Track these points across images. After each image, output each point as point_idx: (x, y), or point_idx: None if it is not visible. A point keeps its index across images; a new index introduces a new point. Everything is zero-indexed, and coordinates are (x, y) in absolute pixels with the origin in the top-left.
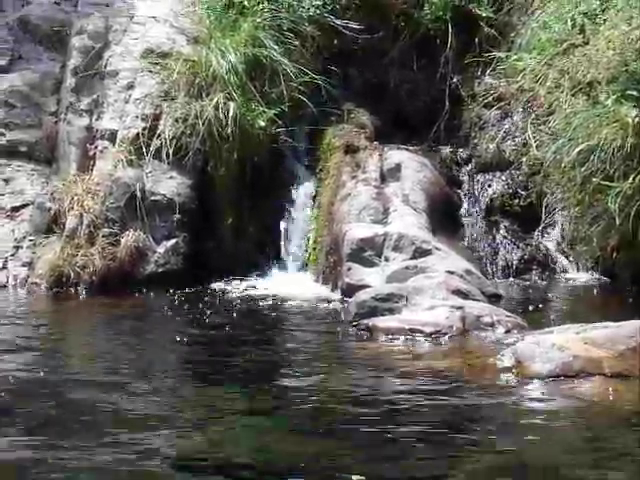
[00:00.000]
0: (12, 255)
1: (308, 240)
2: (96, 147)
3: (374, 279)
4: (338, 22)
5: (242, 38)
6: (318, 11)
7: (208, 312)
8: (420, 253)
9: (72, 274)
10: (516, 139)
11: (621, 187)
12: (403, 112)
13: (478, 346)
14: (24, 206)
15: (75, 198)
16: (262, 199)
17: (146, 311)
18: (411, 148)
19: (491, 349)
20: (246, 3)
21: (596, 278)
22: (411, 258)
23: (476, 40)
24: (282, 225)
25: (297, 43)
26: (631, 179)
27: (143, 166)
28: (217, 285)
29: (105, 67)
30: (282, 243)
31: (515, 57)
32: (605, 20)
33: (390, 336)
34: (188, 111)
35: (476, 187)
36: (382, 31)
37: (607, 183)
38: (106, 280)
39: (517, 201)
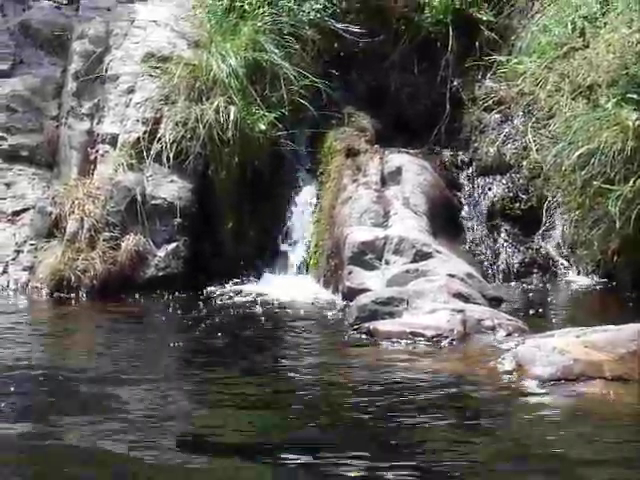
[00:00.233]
0: (13, 259)
1: (309, 244)
2: (97, 151)
3: (375, 282)
4: (339, 26)
5: (243, 42)
6: (318, 15)
7: (208, 316)
8: (421, 256)
9: (73, 278)
10: (516, 142)
11: (622, 190)
12: (404, 115)
13: (479, 350)
14: (25, 210)
15: (76, 202)
16: (263, 203)
17: (146, 315)
18: (412, 151)
19: (492, 353)
20: (247, 7)
21: (597, 281)
22: (412, 261)
23: (477, 44)
24: (283, 229)
25: (297, 47)
26: (632, 182)
27: (144, 170)
28: (218, 289)
29: (106, 71)
30: (283, 247)
31: (515, 60)
32: (605, 23)
33: (391, 340)
34: (188, 115)
35: (477, 190)
36: (383, 34)
37: (608, 186)
38: (107, 284)
39: (518, 204)
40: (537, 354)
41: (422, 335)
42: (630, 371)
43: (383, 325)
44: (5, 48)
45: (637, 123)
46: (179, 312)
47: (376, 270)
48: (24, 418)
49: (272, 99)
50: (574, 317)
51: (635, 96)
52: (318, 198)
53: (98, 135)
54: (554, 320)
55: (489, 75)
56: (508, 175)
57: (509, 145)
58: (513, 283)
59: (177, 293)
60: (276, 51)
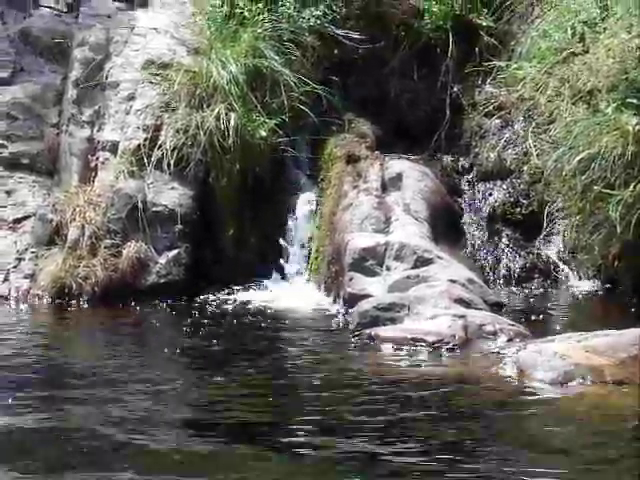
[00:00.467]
0: (14, 267)
1: (310, 250)
2: (97, 158)
3: (376, 289)
4: (338, 32)
5: (243, 49)
6: (318, 21)
7: (209, 322)
8: (422, 262)
9: (74, 285)
10: (517, 148)
11: (622, 195)
12: (404, 121)
13: (480, 355)
14: (26, 218)
15: (77, 209)
16: (264, 209)
17: (147, 322)
18: (412, 157)
19: (493, 358)
20: (246, 14)
21: (598, 286)
22: (413, 267)
23: (476, 49)
24: (284, 235)
25: (298, 53)
26: (632, 187)
27: (144, 177)
28: (219, 295)
29: (106, 78)
30: (284, 253)
31: (515, 66)
32: (605, 28)
33: (392, 345)
34: (189, 122)
35: (477, 196)
36: (383, 41)
37: (608, 191)
38: (108, 291)
39: (518, 210)
40: (538, 359)
41: (423, 341)
42: (631, 375)
43: (384, 331)
44: (5, 56)
45: (637, 128)
46: (180, 319)
47: (377, 276)
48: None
49: (272, 106)
50: (575, 322)
51: (635, 101)
52: (319, 204)
53: (99, 142)
54: (555, 325)
55: (489, 80)
56: (509, 180)
57: (509, 150)
58: (514, 288)
59: (178, 300)
60: (276, 58)
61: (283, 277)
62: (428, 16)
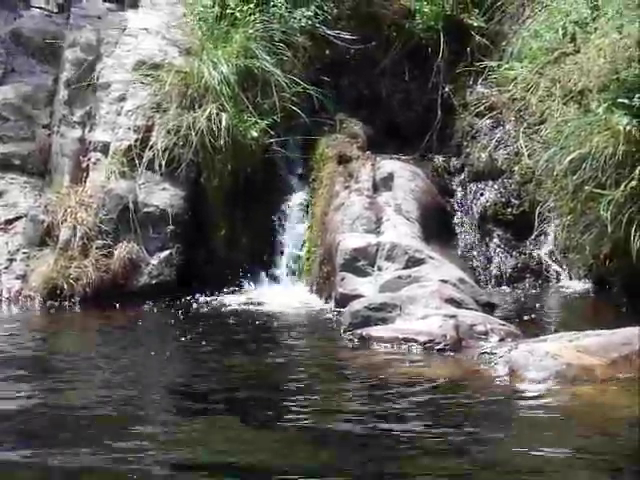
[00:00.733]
0: (6, 268)
1: (301, 250)
2: (89, 159)
3: (367, 289)
4: (330, 32)
5: (234, 49)
6: (310, 22)
7: (201, 323)
8: (413, 262)
9: (66, 286)
10: (508, 148)
11: (613, 195)
12: (395, 122)
13: (472, 355)
14: (17, 219)
15: (68, 210)
16: (255, 210)
17: (138, 323)
18: (403, 157)
19: (485, 358)
20: (238, 14)
21: (589, 286)
22: (404, 267)
23: (468, 49)
24: (275, 235)
25: (289, 54)
26: (623, 187)
27: (136, 178)
28: (210, 296)
29: (97, 79)
30: (275, 253)
31: (506, 66)
32: (596, 28)
33: (384, 345)
34: (180, 122)
35: (469, 196)
36: (374, 41)
37: (599, 191)
38: (100, 292)
39: (510, 210)
40: (530, 359)
41: (415, 341)
42: (623, 375)
43: (376, 331)
44: None
45: (628, 128)
46: (171, 319)
47: (369, 276)
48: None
49: (264, 106)
50: (567, 322)
51: (626, 101)
52: (310, 205)
53: (90, 143)
54: (547, 325)
55: (480, 81)
56: (500, 180)
57: (501, 150)
58: (505, 288)
59: (170, 300)
60: (268, 58)
61: (274, 277)
62: (419, 16)
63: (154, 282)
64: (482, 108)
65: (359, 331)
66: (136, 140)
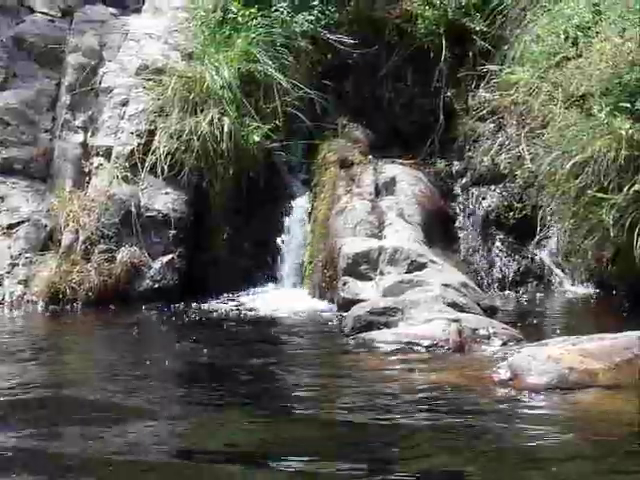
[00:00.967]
0: (8, 272)
1: (304, 255)
2: (91, 163)
3: (370, 293)
4: (332, 37)
5: (236, 54)
6: (312, 26)
7: (203, 327)
8: (415, 267)
9: (68, 291)
10: (510, 152)
11: (615, 199)
12: (397, 126)
13: (474, 359)
14: (20, 223)
15: (71, 215)
16: (257, 214)
17: (140, 327)
18: (405, 162)
19: (487, 362)
20: (240, 19)
21: (591, 290)
22: (407, 272)
23: (470, 54)
24: (277, 240)
25: (291, 58)
26: (625, 191)
27: (138, 182)
28: (213, 300)
29: (100, 84)
30: (278, 258)
31: (508, 70)
32: (598, 33)
33: (387, 350)
34: (183, 127)
35: (471, 200)
36: (376, 45)
37: (601, 195)
38: (102, 296)
39: (512, 214)
40: (532, 363)
41: (418, 345)
42: (626, 379)
43: (379, 335)
44: None
45: (630, 132)
46: (173, 324)
47: (371, 281)
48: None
49: (266, 110)
50: (569, 326)
51: (628, 105)
52: (312, 209)
53: (92, 147)
54: (549, 329)
55: (482, 85)
56: (502, 185)
57: (503, 155)
58: (508, 292)
59: (172, 305)
60: (269, 62)
61: (277, 282)
62: (421, 21)
63: (156, 286)
64: (484, 112)
65: (362, 335)
66: (138, 144)
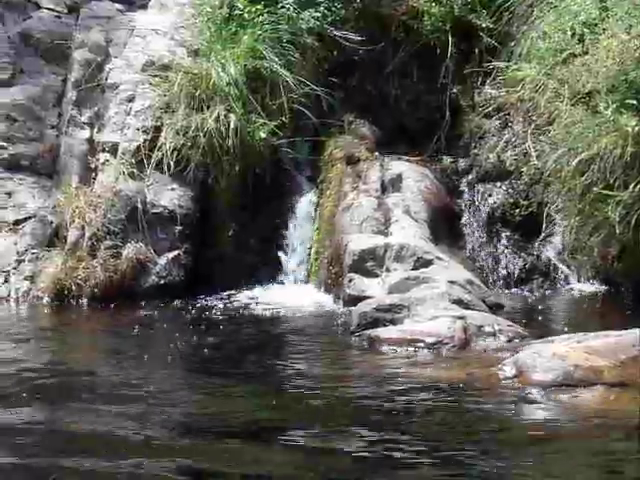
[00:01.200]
0: (14, 268)
1: (310, 251)
2: (97, 160)
3: (376, 290)
4: (338, 33)
5: (242, 50)
6: (318, 23)
7: (209, 323)
8: (421, 263)
9: (74, 287)
10: (516, 149)
11: (621, 196)
12: (404, 122)
13: (480, 356)
14: (26, 219)
15: (77, 211)
16: (263, 211)
17: (147, 323)
18: (412, 159)
19: (493, 359)
20: (246, 15)
21: (597, 287)
22: (412, 269)
23: (476, 50)
24: (283, 236)
25: (297, 55)
26: (631, 188)
27: (144, 178)
28: (219, 296)
29: (106, 80)
30: (284, 254)
31: (515, 67)
32: (604, 29)
33: (392, 346)
34: (189, 123)
35: (477, 197)
36: (382, 42)
37: (607, 192)
38: (108, 292)
39: (518, 211)
40: (538, 360)
41: (423, 342)
42: (631, 377)
43: (384, 332)
44: (5, 57)
45: (636, 129)
46: (179, 320)
47: (377, 277)
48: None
49: (272, 107)
50: (574, 323)
51: (634, 102)
52: (318, 206)
53: (98, 143)
54: (554, 326)
55: (489, 82)
56: (508, 181)
57: (509, 151)
58: (514, 289)
59: (178, 301)
60: (276, 59)
61: (283, 278)
62: (427, 17)
63: (162, 282)
64: (490, 109)
65: (367, 332)
66: (145, 141)
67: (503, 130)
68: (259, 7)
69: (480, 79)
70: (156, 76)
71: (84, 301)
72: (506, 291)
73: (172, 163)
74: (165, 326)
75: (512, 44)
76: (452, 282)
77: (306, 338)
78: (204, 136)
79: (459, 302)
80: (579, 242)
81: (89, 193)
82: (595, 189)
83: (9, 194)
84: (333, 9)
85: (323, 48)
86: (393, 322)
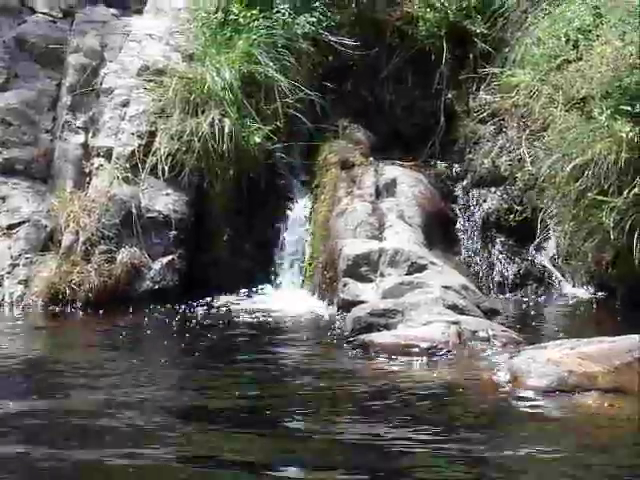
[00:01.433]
0: (8, 273)
1: (304, 256)
2: (92, 164)
3: (370, 295)
4: (333, 39)
5: (237, 55)
6: (313, 28)
7: (203, 328)
8: (416, 268)
9: (68, 291)
10: (511, 154)
11: (615, 202)
12: (398, 128)
13: (474, 361)
14: (20, 224)
15: (71, 215)
16: (258, 215)
17: (141, 328)
18: (406, 164)
19: (487, 364)
20: (241, 20)
21: (591, 293)
22: (407, 274)
23: (470, 56)
24: (278, 241)
25: (292, 60)
26: (625, 194)
27: (139, 183)
28: (213, 301)
29: (101, 84)
30: (278, 259)
31: (509, 73)
32: (598, 36)
33: (386, 351)
34: (183, 128)
35: (471, 202)
36: (377, 47)
37: (601, 198)
38: (102, 297)
39: (512, 216)
40: (532, 365)
41: (417, 347)
42: (625, 383)
43: (378, 337)
44: (0, 62)
45: (630, 135)
46: (174, 325)
47: (371, 282)
48: None
49: (267, 112)
50: (569, 329)
51: (628, 108)
52: (313, 210)
53: (93, 148)
54: (549, 332)
55: (483, 87)
56: (503, 187)
57: (503, 157)
58: (508, 295)
59: (172, 306)
60: (270, 64)
61: (277, 283)
62: (422, 23)
63: (156, 287)
64: (485, 114)
65: (362, 337)
66: (139, 145)
67: (497, 135)
68: (254, 12)
69: (475, 85)
70: (151, 81)
71: (78, 305)
72: (500, 296)
73: (167, 168)
74: (157, 331)
75: (507, 50)
76: (446, 287)
77: (300, 342)
78: (199, 141)
79: (453, 307)
80: (573, 247)
81: (83, 198)
82: (589, 195)
83: (3, 198)
84: (328, 14)
85: (318, 53)
86: (387, 327)
